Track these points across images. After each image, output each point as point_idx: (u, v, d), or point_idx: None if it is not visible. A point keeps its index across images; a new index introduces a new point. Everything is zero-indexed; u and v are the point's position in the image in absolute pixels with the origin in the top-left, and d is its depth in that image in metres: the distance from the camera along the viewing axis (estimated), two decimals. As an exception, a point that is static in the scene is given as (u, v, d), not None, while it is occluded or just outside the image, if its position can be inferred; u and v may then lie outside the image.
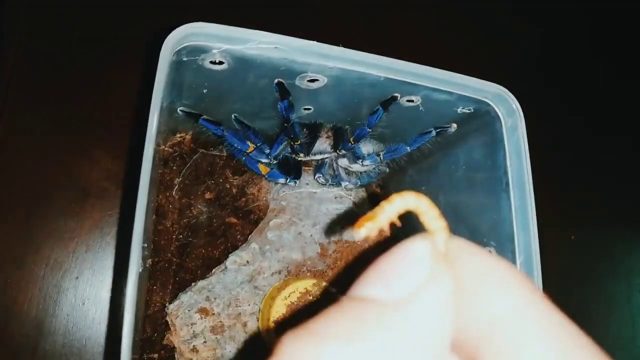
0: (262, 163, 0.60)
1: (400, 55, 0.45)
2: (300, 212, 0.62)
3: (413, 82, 0.45)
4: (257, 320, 0.56)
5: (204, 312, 0.55)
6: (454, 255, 0.17)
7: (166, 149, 0.62)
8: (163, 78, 0.38)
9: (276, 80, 0.47)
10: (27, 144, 0.64)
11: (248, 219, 0.64)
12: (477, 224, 0.52)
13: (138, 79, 0.68)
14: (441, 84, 0.46)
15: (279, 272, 0.58)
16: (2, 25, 0.67)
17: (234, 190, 0.65)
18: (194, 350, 0.54)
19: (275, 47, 0.42)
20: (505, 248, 0.46)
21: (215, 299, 0.56)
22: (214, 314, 0.55)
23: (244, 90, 0.50)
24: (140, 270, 0.36)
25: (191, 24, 0.39)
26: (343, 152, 0.59)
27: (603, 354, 0.15)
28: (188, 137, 0.64)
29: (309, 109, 0.55)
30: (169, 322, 0.55)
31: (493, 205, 0.49)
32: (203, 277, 0.58)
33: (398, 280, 0.16)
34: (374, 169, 0.63)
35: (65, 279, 0.61)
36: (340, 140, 0.58)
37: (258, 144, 0.58)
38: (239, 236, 0.63)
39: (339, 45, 0.43)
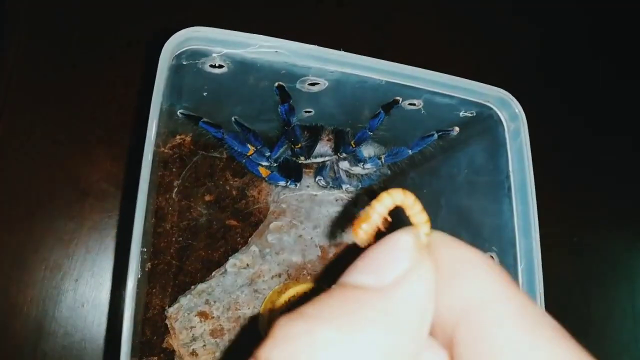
0: (262, 166, 0.59)
1: (400, 55, 0.45)
2: (300, 214, 0.62)
3: (415, 85, 0.45)
4: (258, 324, 0.56)
5: (203, 315, 0.55)
6: (435, 246, 0.19)
7: (166, 151, 0.62)
8: (162, 82, 0.38)
9: (277, 84, 0.47)
10: (27, 144, 0.64)
11: (248, 222, 0.64)
12: (479, 228, 0.52)
13: (138, 79, 0.68)
14: (443, 88, 0.45)
15: (279, 275, 0.58)
16: (2, 25, 0.66)
17: (234, 193, 0.64)
18: (194, 353, 0.54)
19: (276, 51, 0.41)
20: (507, 252, 0.46)
21: (214, 302, 0.56)
22: (213, 317, 0.55)
23: (244, 94, 0.50)
24: (139, 273, 0.36)
25: (191, 28, 0.39)
26: (344, 155, 0.59)
27: (574, 341, 0.16)
28: (188, 139, 0.63)
29: (309, 111, 0.55)
30: (169, 325, 0.55)
31: (495, 210, 0.48)
32: (203, 280, 0.58)
33: (384, 268, 0.17)
34: (375, 171, 0.62)
35: (64, 281, 0.61)
36: (341, 143, 0.58)
37: (258, 147, 0.57)
38: (239, 239, 0.63)
39: (340, 49, 0.43)
